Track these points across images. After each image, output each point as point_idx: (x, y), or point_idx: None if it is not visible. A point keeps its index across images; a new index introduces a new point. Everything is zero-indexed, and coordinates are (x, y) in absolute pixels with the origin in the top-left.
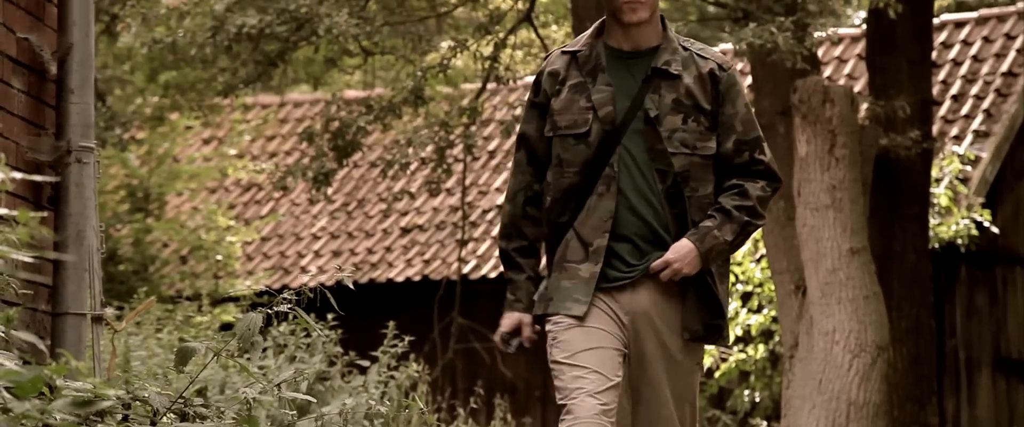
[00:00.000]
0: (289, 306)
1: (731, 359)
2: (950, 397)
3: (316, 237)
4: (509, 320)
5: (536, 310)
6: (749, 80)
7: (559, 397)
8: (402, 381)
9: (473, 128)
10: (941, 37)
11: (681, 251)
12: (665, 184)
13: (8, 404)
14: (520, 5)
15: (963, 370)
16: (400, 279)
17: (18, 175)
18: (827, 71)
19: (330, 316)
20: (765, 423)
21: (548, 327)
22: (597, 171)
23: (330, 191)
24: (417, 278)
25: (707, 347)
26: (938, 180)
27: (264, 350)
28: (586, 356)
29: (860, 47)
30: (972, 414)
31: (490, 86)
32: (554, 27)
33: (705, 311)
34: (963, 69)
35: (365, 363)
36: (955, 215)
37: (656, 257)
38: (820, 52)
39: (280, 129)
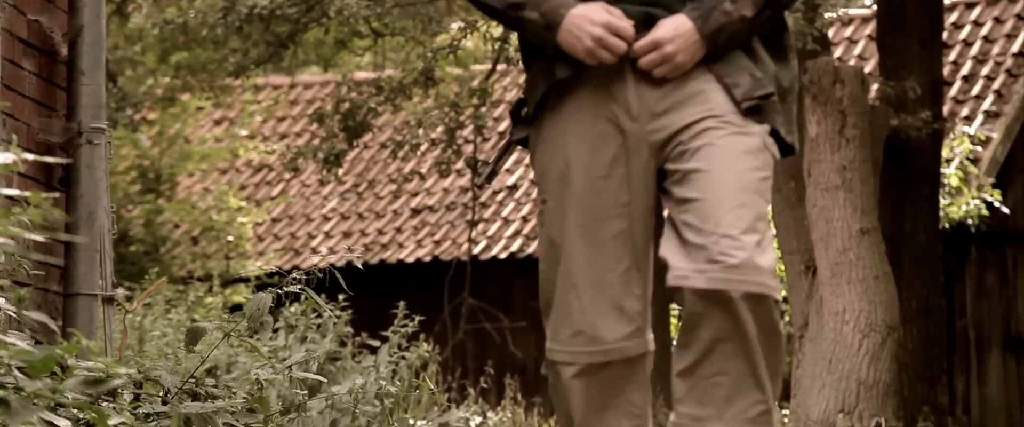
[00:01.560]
0: (299, 287)
1: None
2: (960, 376)
3: (326, 218)
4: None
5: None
6: None
7: (548, 347)
8: (412, 361)
9: (483, 109)
10: (952, 17)
11: (675, 30)
12: None
13: (20, 383)
14: None
15: (973, 350)
16: (410, 260)
17: (29, 156)
18: (837, 52)
19: (341, 297)
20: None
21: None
22: None
23: (340, 172)
24: (427, 259)
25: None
26: (949, 160)
27: (275, 331)
28: (586, 285)
29: (871, 27)
30: (982, 393)
31: (500, 67)
32: None
33: (757, 65)
34: (974, 49)
35: (376, 343)
36: (965, 195)
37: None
38: (830, 33)
39: (290, 111)
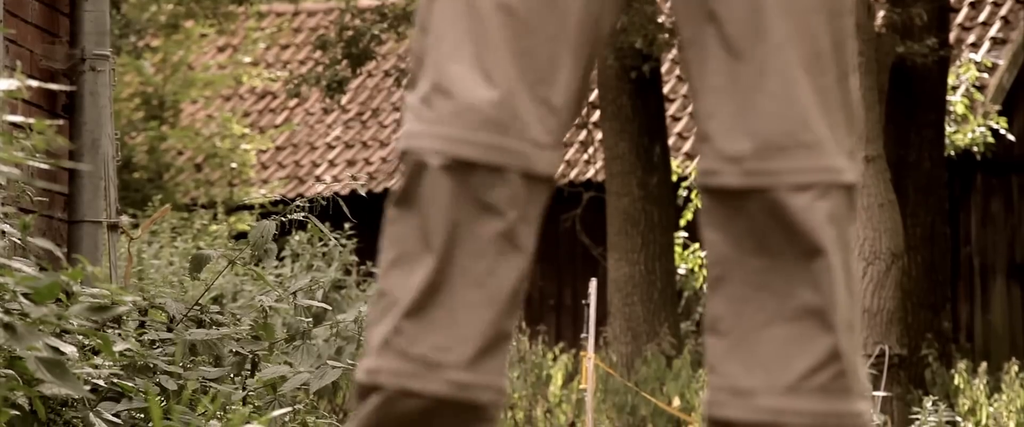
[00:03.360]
0: (304, 215)
1: None
2: (964, 304)
3: (330, 146)
4: None
5: None
6: None
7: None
8: None
9: None
10: None
11: None
12: None
13: (26, 309)
14: None
15: (977, 277)
16: None
17: (33, 83)
18: None
19: (345, 225)
20: None
21: None
22: None
23: (344, 100)
24: None
25: None
26: (954, 88)
27: (280, 259)
28: (495, 37)
29: None
30: (985, 320)
31: None
32: None
33: None
34: None
35: None
36: (971, 123)
37: None
38: None
39: (294, 38)
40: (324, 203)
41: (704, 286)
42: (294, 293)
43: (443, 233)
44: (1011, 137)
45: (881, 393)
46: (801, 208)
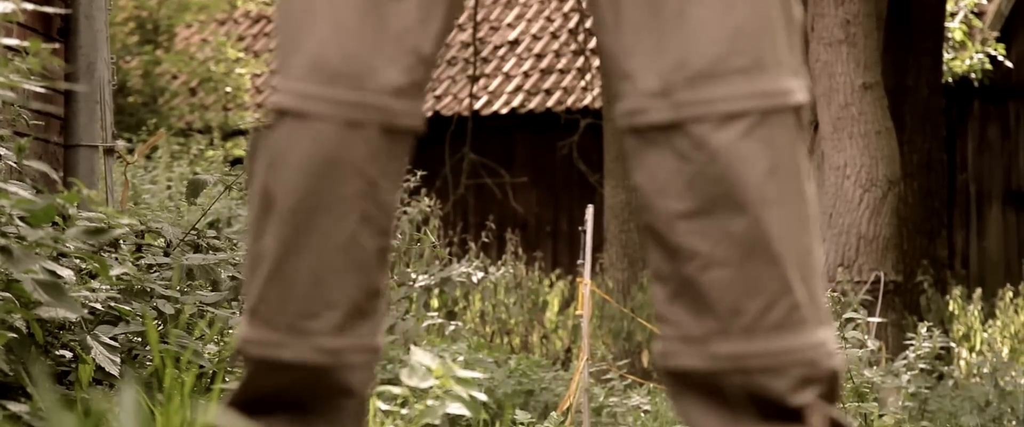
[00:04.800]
0: None
1: None
2: (960, 230)
3: None
4: None
5: None
6: None
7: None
8: (414, 216)
9: None
10: None
11: None
12: None
13: (22, 232)
14: None
15: (973, 204)
16: None
17: (28, 6)
18: None
19: None
20: None
21: None
22: None
23: None
24: (428, 114)
25: None
26: (953, 14)
27: None
28: None
29: None
30: (981, 247)
31: None
32: None
33: None
34: None
35: None
36: (969, 49)
37: None
38: None
39: None
40: None
41: None
42: None
43: (299, 193)
44: (1009, 64)
45: (876, 319)
46: (727, 143)
